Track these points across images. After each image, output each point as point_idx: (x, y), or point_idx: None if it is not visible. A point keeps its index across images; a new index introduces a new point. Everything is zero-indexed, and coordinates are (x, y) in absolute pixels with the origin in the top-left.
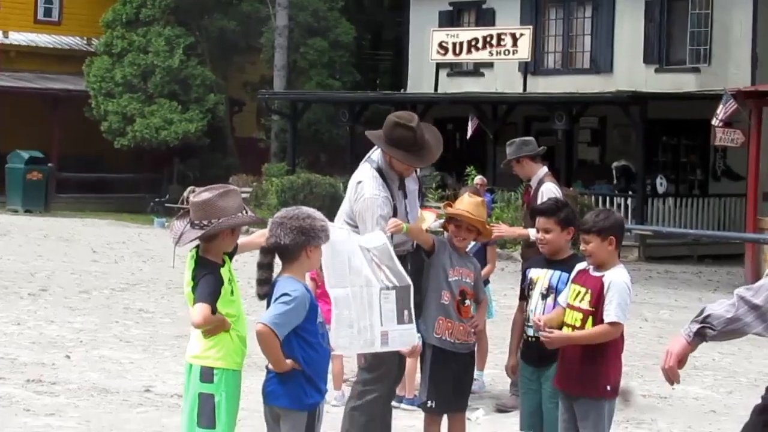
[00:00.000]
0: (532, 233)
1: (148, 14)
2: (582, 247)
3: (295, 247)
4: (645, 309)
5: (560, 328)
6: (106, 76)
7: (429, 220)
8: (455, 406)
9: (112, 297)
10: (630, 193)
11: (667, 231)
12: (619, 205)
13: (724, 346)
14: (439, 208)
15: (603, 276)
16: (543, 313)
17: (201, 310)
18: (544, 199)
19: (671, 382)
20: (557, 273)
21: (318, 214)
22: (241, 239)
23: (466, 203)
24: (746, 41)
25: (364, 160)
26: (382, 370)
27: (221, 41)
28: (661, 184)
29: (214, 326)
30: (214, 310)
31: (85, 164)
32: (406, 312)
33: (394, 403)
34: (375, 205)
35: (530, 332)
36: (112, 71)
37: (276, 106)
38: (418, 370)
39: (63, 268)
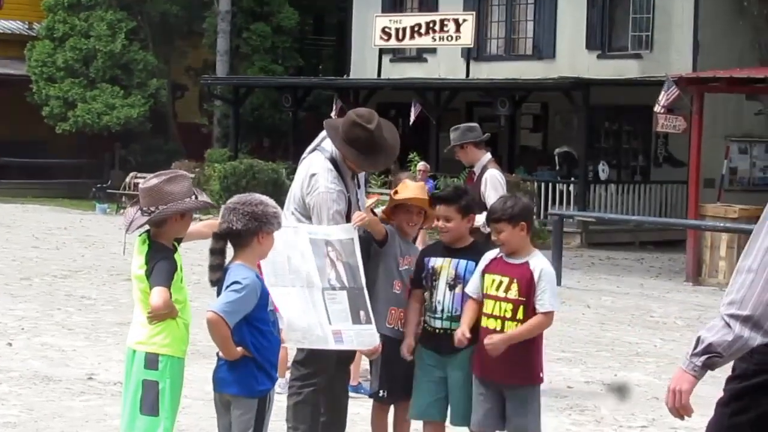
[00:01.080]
0: (479, 219)
1: None
2: (493, 236)
3: (247, 232)
4: (587, 296)
5: (477, 322)
6: (47, 61)
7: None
8: (405, 394)
9: (54, 284)
10: (572, 179)
11: (609, 217)
12: (561, 192)
13: (665, 332)
14: (381, 194)
15: (526, 263)
16: (452, 303)
17: (161, 293)
18: (488, 186)
19: (682, 417)
20: (463, 262)
21: (271, 201)
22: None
23: (412, 188)
24: (688, 27)
25: (313, 147)
26: (317, 366)
27: (163, 26)
28: (603, 170)
29: (167, 313)
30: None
31: (26, 150)
32: (362, 312)
33: None
34: (330, 200)
35: (436, 324)
36: (53, 56)
37: (218, 92)
38: (363, 357)
39: (4, 254)
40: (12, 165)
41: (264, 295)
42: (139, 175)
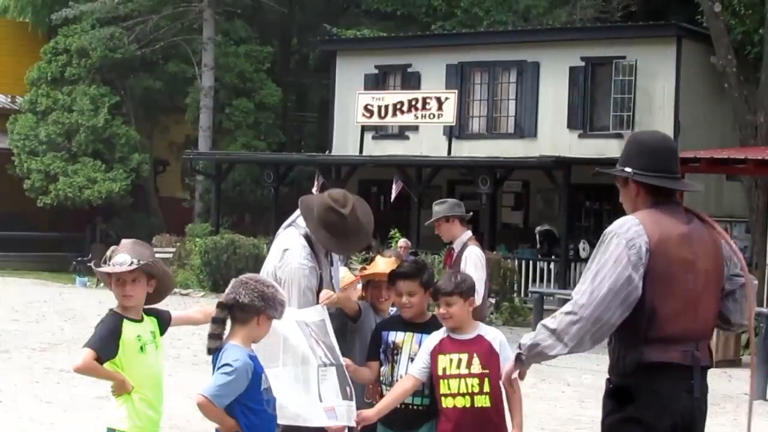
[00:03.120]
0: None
1: (73, 73)
2: (442, 310)
3: (251, 309)
4: (567, 373)
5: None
6: (30, 134)
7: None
8: None
9: (33, 357)
10: (553, 257)
11: None
12: (542, 269)
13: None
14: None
15: (479, 336)
16: None
17: (82, 353)
18: (468, 264)
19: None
20: (426, 336)
21: (282, 291)
22: (177, 313)
23: (381, 263)
24: (669, 108)
25: (288, 222)
26: None
27: (146, 101)
28: (584, 248)
29: (116, 385)
30: (101, 359)
31: (6, 222)
32: (348, 389)
33: None
34: (301, 275)
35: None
36: (36, 129)
37: (201, 167)
38: None
39: None
40: None
41: (256, 375)
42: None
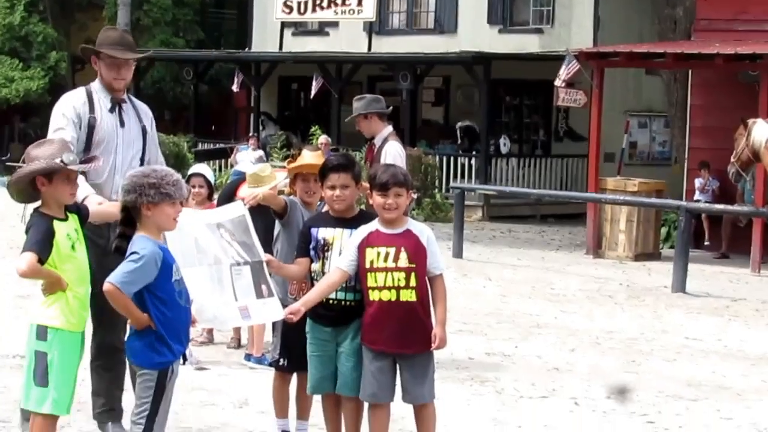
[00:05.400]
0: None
1: None
2: (390, 201)
3: (133, 204)
4: (488, 268)
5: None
6: None
7: (279, 178)
8: (306, 364)
9: None
10: (474, 153)
11: (510, 191)
12: (463, 165)
13: (566, 304)
14: (284, 168)
15: (408, 230)
16: None
17: (24, 257)
18: (388, 158)
19: None
20: (355, 231)
21: (155, 173)
22: (94, 208)
23: (308, 156)
24: (589, 2)
25: None
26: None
27: None
28: (504, 144)
29: (50, 283)
30: (42, 260)
31: None
32: (264, 287)
33: (243, 361)
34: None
35: (330, 295)
36: None
37: None
38: (267, 329)
39: None
40: None
41: (167, 266)
42: None
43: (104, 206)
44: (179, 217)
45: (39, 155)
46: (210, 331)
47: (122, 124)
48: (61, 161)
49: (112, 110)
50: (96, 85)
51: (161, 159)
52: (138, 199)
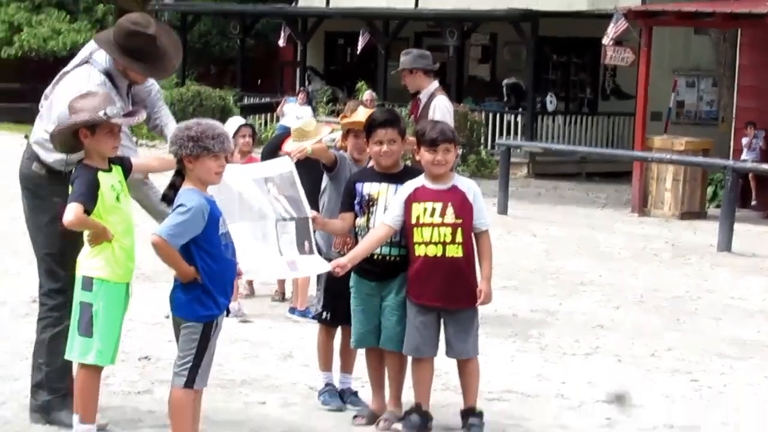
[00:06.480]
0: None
1: None
2: (439, 156)
3: (178, 157)
4: (534, 225)
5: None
6: None
7: (323, 133)
8: (349, 318)
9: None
10: (520, 110)
11: (556, 148)
12: (509, 123)
13: (610, 262)
14: (330, 122)
15: (454, 186)
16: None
17: (71, 208)
18: (437, 113)
19: None
20: (400, 187)
21: (198, 126)
22: (136, 160)
23: (363, 113)
24: None
25: (81, 60)
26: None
27: None
28: (551, 101)
29: (95, 234)
30: (89, 211)
31: None
32: (306, 243)
33: (287, 314)
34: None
35: (375, 250)
36: None
37: (166, 18)
38: (311, 283)
39: None
40: None
41: (214, 218)
42: None
43: (146, 159)
44: (224, 172)
45: (83, 107)
46: (251, 284)
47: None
48: (105, 114)
49: (127, 94)
50: (110, 67)
51: (166, 111)
52: (179, 151)
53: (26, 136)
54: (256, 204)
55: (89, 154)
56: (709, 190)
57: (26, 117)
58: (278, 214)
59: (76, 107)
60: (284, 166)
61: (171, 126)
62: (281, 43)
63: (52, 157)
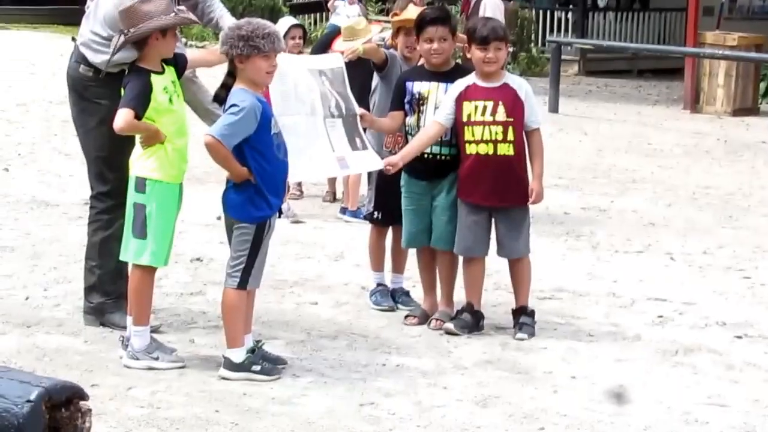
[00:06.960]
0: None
1: None
2: (490, 54)
3: (229, 57)
4: (585, 123)
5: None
6: None
7: (373, 32)
8: (400, 218)
9: (51, 110)
10: (571, 6)
11: (607, 45)
12: (559, 19)
13: (662, 159)
14: (380, 21)
15: (505, 84)
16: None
17: (121, 114)
18: (487, 11)
19: None
20: (450, 86)
21: (249, 24)
22: (190, 54)
23: (413, 11)
24: None
25: None
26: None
27: None
28: None
29: (148, 135)
30: (139, 116)
31: None
32: (357, 139)
33: (338, 215)
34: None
35: (425, 149)
36: None
37: None
38: (362, 182)
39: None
40: None
41: (266, 118)
42: None
43: (201, 53)
44: (281, 61)
45: (153, 12)
46: (299, 185)
47: None
48: (184, 15)
49: None
50: None
51: (219, 4)
52: (230, 50)
53: (73, 38)
54: (309, 97)
55: (147, 57)
56: (762, 85)
57: (77, 19)
58: (327, 109)
59: (144, 11)
60: (336, 61)
61: (226, 18)
62: None
63: (100, 57)
